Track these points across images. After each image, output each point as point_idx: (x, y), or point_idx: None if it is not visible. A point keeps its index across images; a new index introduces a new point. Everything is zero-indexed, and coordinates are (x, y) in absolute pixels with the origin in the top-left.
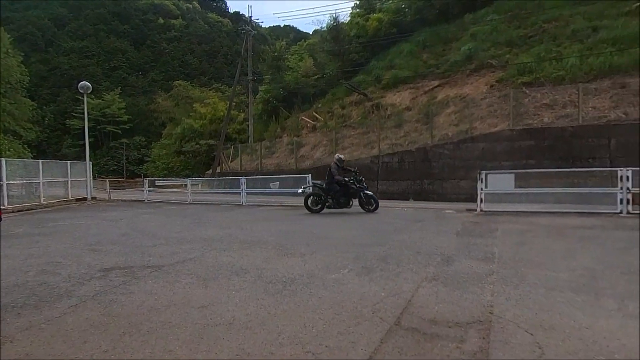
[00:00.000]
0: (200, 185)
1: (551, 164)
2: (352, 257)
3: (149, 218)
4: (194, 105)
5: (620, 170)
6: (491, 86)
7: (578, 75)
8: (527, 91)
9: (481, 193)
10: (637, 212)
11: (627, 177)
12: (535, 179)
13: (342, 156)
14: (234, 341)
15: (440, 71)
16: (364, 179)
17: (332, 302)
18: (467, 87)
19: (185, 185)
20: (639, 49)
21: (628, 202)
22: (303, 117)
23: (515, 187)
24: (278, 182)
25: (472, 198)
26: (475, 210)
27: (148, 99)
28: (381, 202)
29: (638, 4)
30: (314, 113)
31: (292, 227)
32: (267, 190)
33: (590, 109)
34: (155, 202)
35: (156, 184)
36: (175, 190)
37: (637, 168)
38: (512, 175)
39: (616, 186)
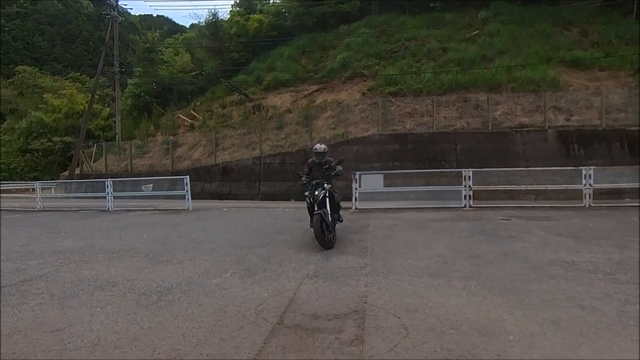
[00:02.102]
0: (53, 189)
1: (412, 165)
2: (234, 260)
3: None
4: (45, 95)
5: (464, 171)
6: (363, 94)
7: (433, 89)
8: (393, 100)
9: (355, 192)
10: (477, 206)
11: (469, 177)
12: (400, 179)
13: (320, 145)
14: None
15: (318, 76)
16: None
17: (214, 308)
18: (342, 93)
19: (34, 189)
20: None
21: (470, 198)
22: (180, 115)
23: (384, 186)
24: (151, 185)
25: (348, 197)
26: (351, 208)
27: None
28: (263, 203)
29: (475, 32)
30: (192, 111)
31: (168, 232)
32: (139, 193)
33: (442, 118)
34: None
35: None
36: (20, 195)
37: (477, 169)
38: (382, 176)
39: (461, 184)
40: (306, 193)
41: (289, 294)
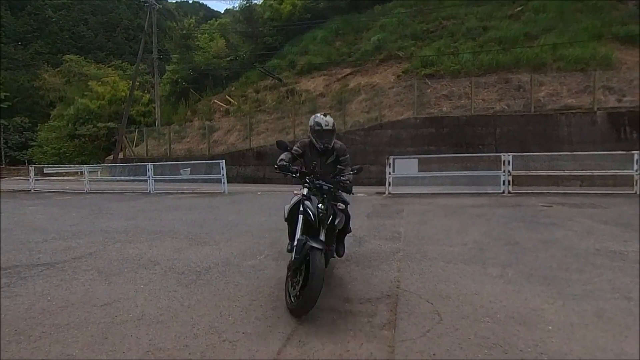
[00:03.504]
0: (99, 172)
1: (448, 149)
2: (268, 242)
3: (37, 210)
4: (90, 83)
5: (504, 155)
6: (398, 76)
7: (471, 70)
8: (429, 82)
9: (389, 177)
10: (516, 192)
11: (509, 162)
12: (435, 164)
13: (323, 118)
14: (143, 337)
15: (352, 59)
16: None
17: (249, 288)
18: (376, 76)
19: (82, 172)
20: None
21: (509, 183)
22: (215, 101)
23: (419, 171)
24: (189, 169)
25: (382, 182)
26: (384, 193)
27: (31, 74)
28: (296, 188)
29: (519, 8)
30: (227, 97)
31: (205, 215)
32: (178, 177)
33: (481, 100)
34: (44, 192)
35: (45, 171)
36: (69, 178)
37: (517, 153)
38: (416, 160)
39: (500, 169)
40: (296, 192)
41: None
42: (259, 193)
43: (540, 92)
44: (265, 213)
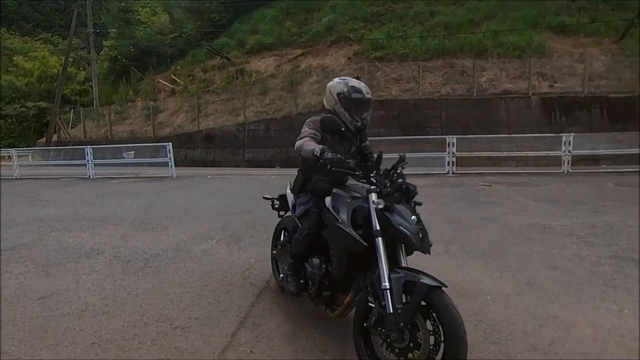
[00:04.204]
0: (30, 156)
1: (398, 132)
2: (219, 226)
3: None
4: (15, 58)
5: (448, 137)
6: (349, 58)
7: (419, 54)
8: (379, 65)
9: None
10: (460, 172)
11: (453, 144)
12: (385, 145)
13: (360, 82)
14: (87, 329)
15: (303, 40)
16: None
17: (201, 274)
18: (327, 58)
19: (10, 156)
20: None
21: (453, 164)
22: (160, 80)
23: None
24: (133, 152)
25: None
26: None
27: None
28: (247, 170)
29: None
30: (173, 76)
31: (152, 200)
32: (120, 160)
33: (428, 84)
34: None
35: None
36: None
37: (461, 136)
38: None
39: (445, 151)
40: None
41: None
42: (209, 176)
43: (482, 77)
44: (216, 197)
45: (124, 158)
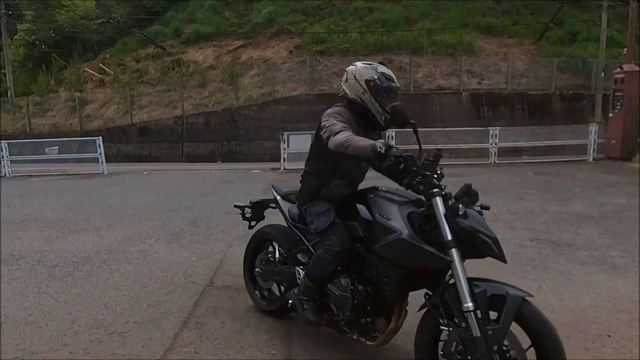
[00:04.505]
0: None
1: None
2: (158, 225)
3: None
4: None
5: (388, 131)
6: (290, 52)
7: (359, 49)
8: (321, 59)
9: (284, 152)
10: None
11: (392, 137)
12: None
13: (379, 67)
14: (8, 342)
15: (243, 31)
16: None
17: (138, 275)
18: (269, 51)
19: None
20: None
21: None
22: (87, 69)
23: None
24: (57, 147)
25: (277, 157)
26: (280, 169)
27: None
28: (187, 165)
29: None
30: (101, 65)
31: (81, 198)
32: (43, 157)
33: None
34: None
35: None
36: None
37: (400, 130)
38: (310, 136)
39: None
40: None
41: (218, 257)
42: (144, 172)
43: (418, 73)
44: (152, 193)
45: (47, 154)
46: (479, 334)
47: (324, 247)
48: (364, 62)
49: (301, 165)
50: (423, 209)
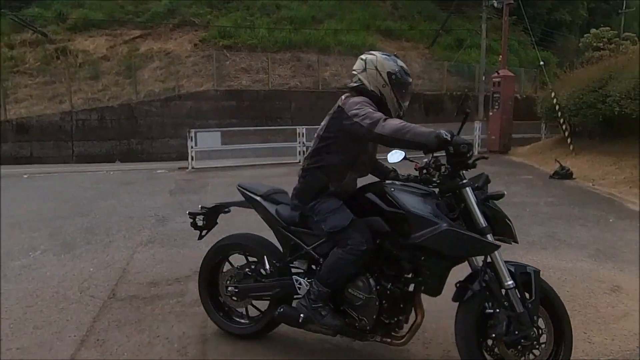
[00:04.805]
0: None
1: (250, 122)
2: (45, 234)
3: None
4: None
5: (298, 128)
6: (195, 45)
7: (267, 45)
8: (228, 54)
9: (192, 151)
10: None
11: (303, 134)
12: (238, 136)
13: (398, 60)
14: None
15: (141, 20)
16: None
17: (22, 294)
18: (171, 43)
19: None
20: (311, 31)
21: (304, 153)
22: None
23: (222, 144)
24: None
25: (184, 156)
26: (187, 167)
27: None
28: (80, 167)
29: None
30: None
31: None
32: None
33: (277, 76)
34: None
35: None
36: None
37: (310, 126)
38: (219, 133)
39: (296, 141)
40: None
41: (120, 265)
42: (25, 176)
43: (326, 71)
44: (37, 200)
45: None
46: (522, 309)
47: (345, 247)
48: (382, 52)
49: (211, 163)
50: (440, 200)
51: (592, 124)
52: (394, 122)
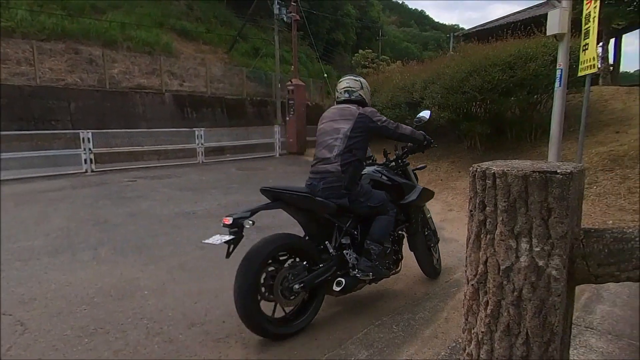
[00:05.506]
0: None
1: (12, 125)
2: None
3: None
4: None
5: (82, 132)
6: None
7: (31, 32)
8: None
9: None
10: (100, 170)
11: (89, 139)
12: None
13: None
14: None
15: None
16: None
17: None
18: None
19: None
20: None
21: (92, 162)
22: None
23: None
24: None
25: None
26: None
27: None
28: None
29: None
30: None
31: None
32: None
33: (48, 69)
34: None
35: None
36: None
37: (97, 130)
38: None
39: (80, 147)
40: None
41: None
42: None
43: (114, 69)
44: None
45: None
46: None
47: (387, 213)
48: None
49: None
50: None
51: None
52: (407, 127)
